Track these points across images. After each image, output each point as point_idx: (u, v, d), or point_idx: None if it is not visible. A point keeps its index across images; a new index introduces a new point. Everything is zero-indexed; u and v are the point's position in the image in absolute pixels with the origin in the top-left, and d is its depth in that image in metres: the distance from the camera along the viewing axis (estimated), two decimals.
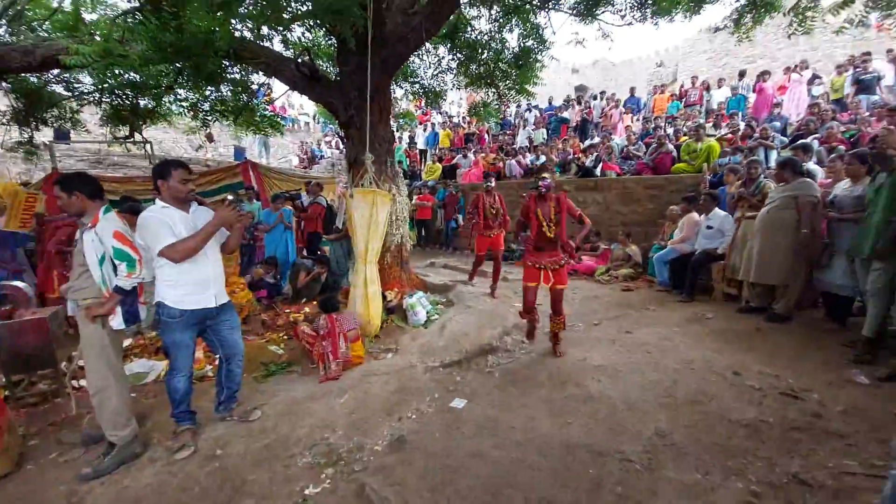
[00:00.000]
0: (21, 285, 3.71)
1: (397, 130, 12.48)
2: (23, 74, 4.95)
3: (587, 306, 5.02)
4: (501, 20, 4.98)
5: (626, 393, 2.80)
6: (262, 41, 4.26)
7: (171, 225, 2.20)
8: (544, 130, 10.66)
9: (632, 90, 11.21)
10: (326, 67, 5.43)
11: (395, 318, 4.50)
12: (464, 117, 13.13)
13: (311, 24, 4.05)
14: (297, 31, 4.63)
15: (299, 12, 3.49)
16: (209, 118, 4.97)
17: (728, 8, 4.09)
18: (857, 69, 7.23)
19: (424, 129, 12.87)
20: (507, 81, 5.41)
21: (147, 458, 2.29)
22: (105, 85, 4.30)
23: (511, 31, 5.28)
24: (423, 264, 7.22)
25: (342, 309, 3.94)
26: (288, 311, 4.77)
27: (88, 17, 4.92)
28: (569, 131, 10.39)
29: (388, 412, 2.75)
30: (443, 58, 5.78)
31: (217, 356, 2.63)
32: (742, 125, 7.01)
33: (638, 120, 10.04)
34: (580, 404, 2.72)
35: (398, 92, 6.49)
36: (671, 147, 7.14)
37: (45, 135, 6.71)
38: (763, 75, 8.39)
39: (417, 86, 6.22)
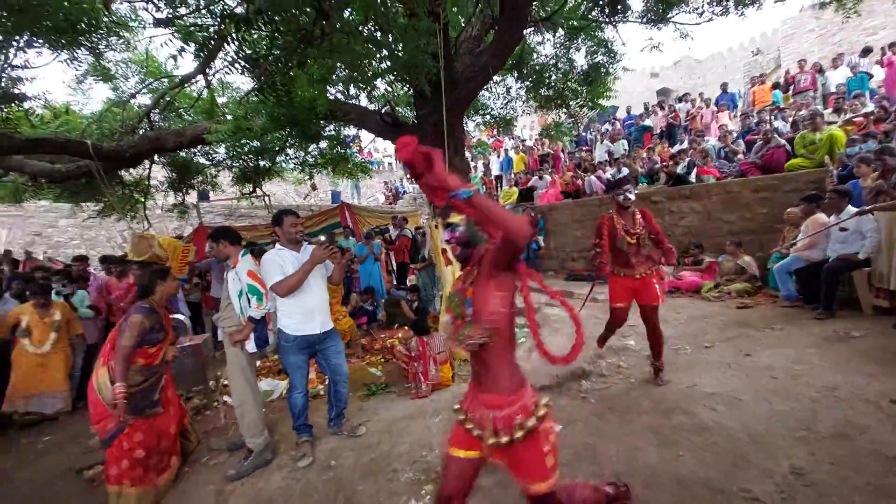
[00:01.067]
0: (182, 317, 4.63)
1: (472, 160, 12.97)
2: (175, 152, 6.34)
3: (694, 326, 4.52)
4: (567, 42, 5.04)
5: (748, 424, 2.47)
6: (352, 100, 4.90)
7: (281, 264, 2.60)
8: (624, 142, 10.15)
9: (723, 86, 10.19)
10: (405, 113, 5.98)
11: None
12: (536, 140, 13.14)
13: (391, 78, 4.56)
14: (380, 87, 5.23)
15: (380, 70, 3.98)
16: (312, 170, 5.78)
17: None
18: None
19: (499, 156, 13.14)
20: (578, 99, 5.38)
21: (276, 464, 2.65)
22: (235, 153, 5.31)
23: (578, 49, 5.31)
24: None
25: (432, 333, 4.14)
26: (383, 336, 5.14)
27: (220, 100, 6.18)
28: (653, 139, 9.75)
29: None
30: (510, 87, 5.98)
31: (327, 377, 2.97)
32: (872, 107, 5.92)
33: (735, 117, 9.05)
34: (692, 435, 2.46)
35: (470, 125, 6.83)
36: (781, 141, 6.28)
37: (191, 196, 8.39)
38: (892, 47, 7.05)
39: (488, 116, 6.50)
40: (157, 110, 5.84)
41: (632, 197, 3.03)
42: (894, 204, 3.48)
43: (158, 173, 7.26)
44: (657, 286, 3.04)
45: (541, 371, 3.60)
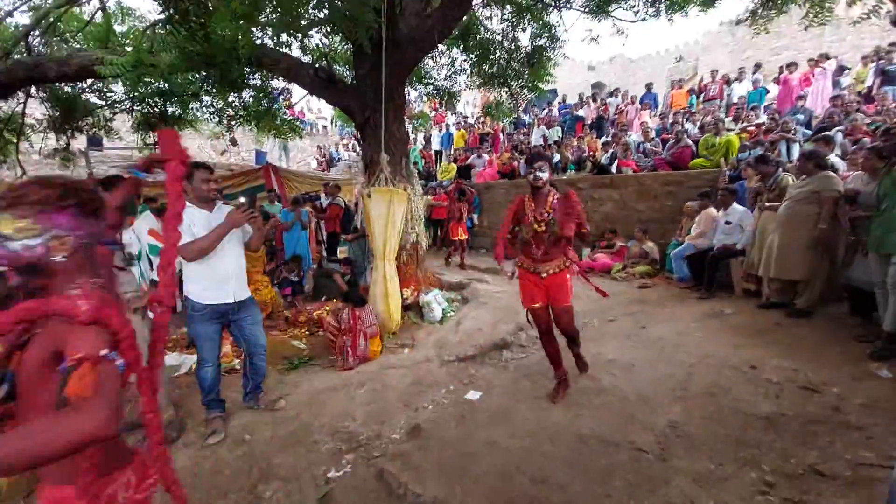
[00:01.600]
0: None
1: (412, 131, 12.66)
2: (58, 84, 5.27)
3: (602, 303, 5.00)
4: (514, 20, 5.03)
5: (638, 386, 2.82)
6: (282, 48, 4.43)
7: (190, 224, 2.32)
8: (558, 129, 10.61)
9: (648, 86, 11.05)
10: (343, 71, 5.59)
11: (412, 314, 4.61)
12: (478, 117, 13.18)
13: (328, 29, 4.19)
14: (315, 38, 4.79)
15: (316, 19, 3.63)
16: (232, 123, 5.18)
17: (745, 1, 4.04)
18: (882, 60, 6.98)
19: (440, 130, 12.98)
20: (520, 80, 5.45)
21: (182, 442, 2.45)
22: (136, 94, 4.55)
23: (524, 30, 5.33)
24: (439, 263, 7.31)
25: (364, 307, 4.06)
26: (310, 308, 4.93)
27: (119, 28, 5.22)
28: (584, 129, 10.32)
29: (405, 403, 2.84)
30: (456, 59, 5.86)
31: (242, 351, 2.78)
32: (764, 118, 6.85)
33: (655, 116, 9.91)
34: (592, 397, 2.76)
35: (412, 94, 6.61)
36: (689, 142, 7.04)
37: (79, 142, 7.10)
38: (789, 67, 8.16)
39: (431, 87, 6.33)
40: (36, 32, 4.77)
41: (543, 176, 2.54)
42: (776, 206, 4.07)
43: (36, 110, 6.00)
44: (569, 283, 2.67)
45: (466, 343, 3.76)
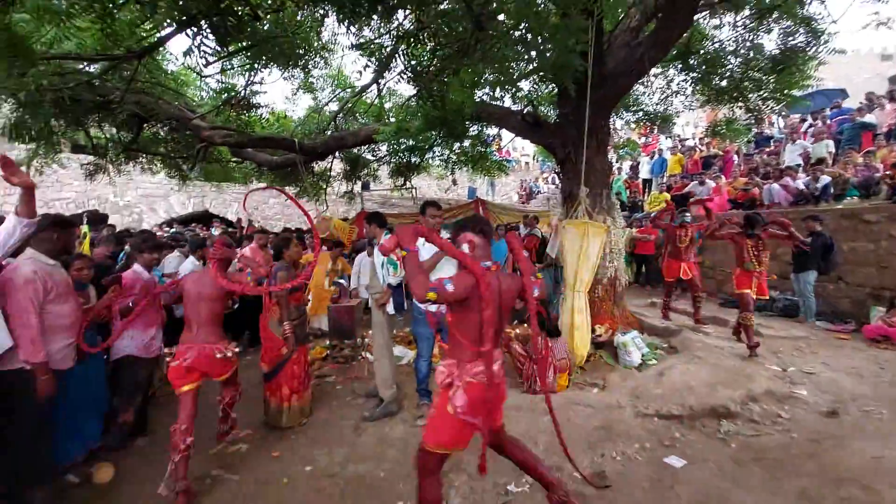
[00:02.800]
0: (343, 282, 5.67)
1: (617, 161, 11.96)
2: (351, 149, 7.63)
3: None
4: (752, 24, 4.25)
5: None
6: (496, 101, 5.11)
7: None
8: (830, 142, 7.95)
9: None
10: (547, 111, 5.93)
11: (604, 353, 4.32)
12: (701, 138, 11.33)
13: (536, 78, 4.59)
14: (524, 87, 5.31)
15: (526, 70, 4.05)
16: (455, 167, 6.28)
17: None
18: None
19: (651, 157, 11.79)
20: (762, 91, 4.48)
21: (399, 417, 3.14)
22: (394, 150, 6.14)
23: (769, 31, 4.41)
24: (642, 303, 6.56)
25: (557, 338, 4.07)
26: (507, 329, 5.30)
27: (387, 105, 7.17)
28: (875, 140, 7.40)
29: (590, 445, 2.71)
30: (672, 80, 5.34)
31: None
32: None
33: None
34: None
35: (618, 122, 6.36)
36: None
37: (357, 186, 9.99)
38: None
39: (641, 113, 5.94)
40: (341, 115, 7.15)
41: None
42: None
43: (336, 166, 8.89)
44: None
45: (670, 399, 3.25)
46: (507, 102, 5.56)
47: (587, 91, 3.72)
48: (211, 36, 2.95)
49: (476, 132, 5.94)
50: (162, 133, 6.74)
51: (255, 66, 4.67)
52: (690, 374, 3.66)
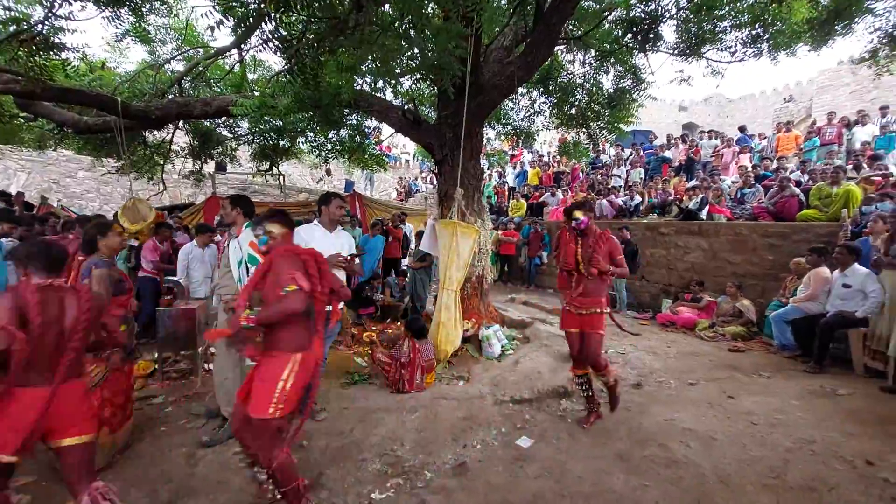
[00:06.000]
0: (182, 280, 4.64)
1: (488, 168, 13.01)
2: (200, 120, 6.45)
3: (683, 363, 4.51)
4: (596, 64, 5.07)
5: (719, 464, 2.47)
6: (377, 92, 4.95)
7: (306, 241, 2.62)
8: (641, 170, 10.14)
9: (741, 128, 10.20)
10: (427, 112, 6.03)
11: (470, 347, 4.59)
12: (554, 156, 13.14)
13: (418, 76, 4.61)
14: (406, 84, 5.29)
15: (409, 67, 4.03)
16: (329, 156, 5.85)
17: (863, 40, 3.62)
18: None
19: (515, 168, 13.16)
20: (600, 121, 5.39)
21: None
22: (257, 129, 5.39)
23: (607, 72, 5.33)
24: (504, 299, 7.22)
25: (424, 340, 4.11)
26: (374, 328, 5.18)
27: (251, 76, 6.28)
28: (670, 171, 9.73)
29: (455, 437, 2.81)
30: (535, 101, 6.01)
31: None
32: (894, 167, 5.88)
33: (753, 160, 9.03)
34: (661, 468, 2.47)
35: (491, 133, 6.87)
36: (797, 191, 6.26)
37: (209, 166, 8.52)
38: None
39: (510, 126, 6.52)
40: (188, 78, 5.96)
41: (583, 223, 2.89)
42: None
43: (180, 139, 7.38)
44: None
45: (522, 385, 3.63)
46: (388, 96, 5.46)
47: (465, 97, 3.88)
48: None
49: (355, 122, 5.66)
50: None
51: None
52: (539, 361, 4.16)
